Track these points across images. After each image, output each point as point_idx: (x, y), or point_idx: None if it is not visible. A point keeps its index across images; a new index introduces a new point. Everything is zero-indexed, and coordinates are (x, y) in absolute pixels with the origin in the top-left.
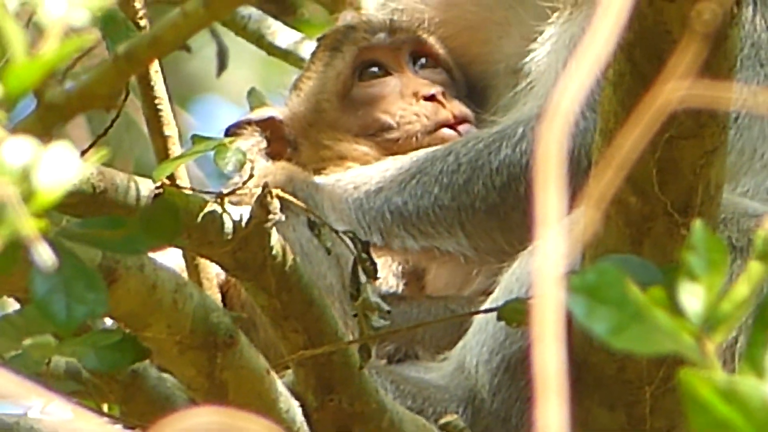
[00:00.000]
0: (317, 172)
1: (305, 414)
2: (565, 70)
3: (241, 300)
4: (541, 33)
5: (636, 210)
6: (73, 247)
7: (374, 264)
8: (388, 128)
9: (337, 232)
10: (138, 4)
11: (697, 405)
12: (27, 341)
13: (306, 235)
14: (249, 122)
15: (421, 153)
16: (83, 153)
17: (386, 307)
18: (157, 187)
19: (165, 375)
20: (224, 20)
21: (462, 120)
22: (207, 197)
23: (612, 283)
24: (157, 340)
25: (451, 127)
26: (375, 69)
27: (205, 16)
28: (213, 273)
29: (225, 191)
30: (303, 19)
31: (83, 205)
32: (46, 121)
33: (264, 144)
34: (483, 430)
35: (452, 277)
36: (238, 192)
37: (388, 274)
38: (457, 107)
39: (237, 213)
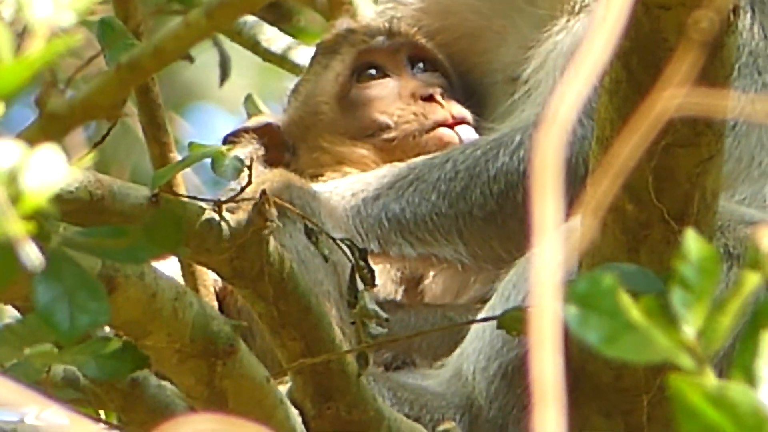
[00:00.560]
0: (315, 178)
1: (304, 422)
2: (563, 78)
3: (238, 307)
4: (538, 41)
5: (632, 218)
6: (75, 256)
7: (372, 271)
8: (386, 128)
9: (334, 239)
10: (138, 15)
11: (687, 410)
12: (28, 350)
13: (302, 242)
14: (246, 130)
15: (419, 160)
16: (92, 149)
17: (384, 315)
18: (154, 195)
19: (164, 383)
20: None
21: (460, 120)
22: (204, 205)
23: (605, 291)
24: (156, 348)
25: (449, 126)
26: (373, 71)
27: (207, 26)
28: (210, 280)
29: (222, 199)
30: (299, 26)
31: (80, 213)
32: (48, 132)
33: (262, 151)
34: None
35: (449, 285)
36: (235, 199)
37: (386, 282)
38: (455, 107)
39: (234, 221)
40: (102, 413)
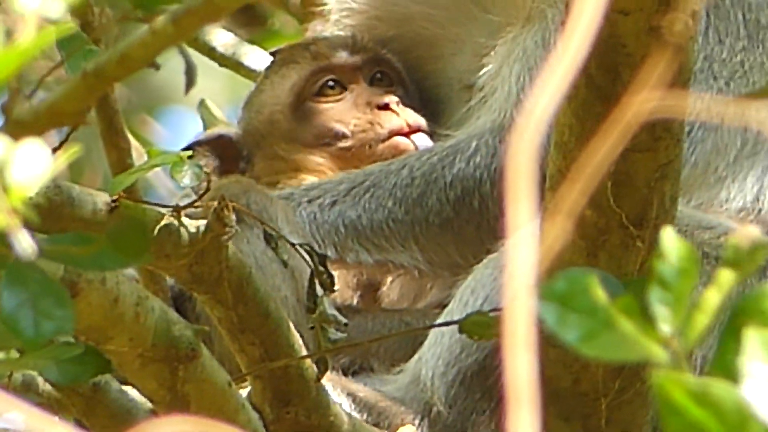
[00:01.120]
0: (271, 185)
1: (264, 426)
2: (521, 84)
3: (196, 312)
4: (493, 48)
5: (591, 223)
6: (39, 263)
7: (331, 276)
8: (342, 137)
9: (293, 244)
10: (98, 22)
11: (670, 408)
12: None
13: (260, 247)
14: (200, 143)
15: (376, 166)
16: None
17: (343, 320)
18: (113, 201)
19: (126, 388)
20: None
21: (416, 128)
22: (163, 210)
23: (582, 291)
24: (118, 353)
25: (405, 135)
26: (331, 83)
27: (173, 33)
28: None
29: (181, 204)
30: (273, 29)
31: (40, 219)
32: (14, 138)
33: (216, 163)
34: None
35: (406, 290)
36: (194, 205)
37: (343, 287)
38: (411, 115)
39: (193, 226)
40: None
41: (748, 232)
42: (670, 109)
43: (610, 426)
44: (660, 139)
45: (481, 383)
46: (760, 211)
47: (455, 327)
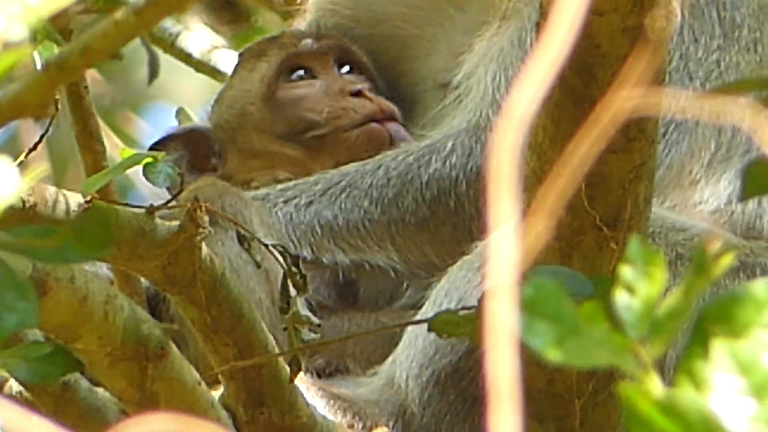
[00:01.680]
0: (245, 184)
1: (237, 427)
2: (497, 84)
3: (170, 313)
4: (469, 47)
5: (565, 224)
6: (4, 257)
7: (304, 277)
8: (315, 125)
9: (267, 245)
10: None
11: (636, 419)
12: None
13: (234, 249)
14: (171, 137)
15: (351, 167)
16: (27, 154)
17: (316, 321)
18: (86, 201)
19: (96, 388)
20: (152, 38)
21: (390, 116)
22: (137, 211)
23: (549, 297)
24: (88, 351)
25: (379, 122)
26: (301, 72)
27: (135, 24)
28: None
29: (155, 205)
30: (257, 26)
31: (13, 220)
32: None
33: (188, 158)
34: None
35: (382, 291)
36: (167, 206)
37: (319, 287)
38: (384, 102)
39: (166, 227)
40: None
41: (715, 236)
42: (645, 109)
43: (584, 428)
44: (634, 140)
45: (455, 385)
46: (732, 213)
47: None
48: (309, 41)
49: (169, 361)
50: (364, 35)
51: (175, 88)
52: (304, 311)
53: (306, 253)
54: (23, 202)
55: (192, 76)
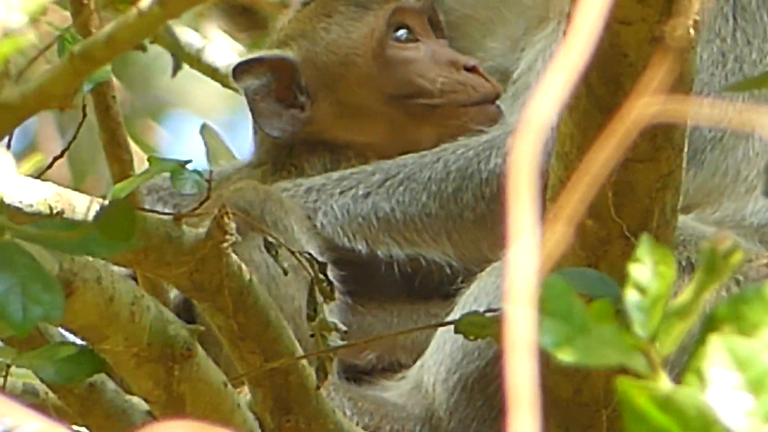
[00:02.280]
0: (331, 146)
1: (260, 427)
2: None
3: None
4: (529, 39)
5: (592, 233)
6: (31, 251)
7: (331, 284)
8: (427, 93)
9: (293, 252)
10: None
11: (634, 414)
12: None
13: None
14: (261, 60)
15: (408, 158)
16: (51, 163)
17: (343, 328)
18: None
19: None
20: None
21: (498, 97)
22: (164, 218)
23: (558, 295)
24: (114, 352)
25: (492, 102)
26: (404, 32)
27: (160, 14)
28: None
29: (182, 212)
30: None
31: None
32: (1, 122)
33: (273, 86)
34: None
35: (437, 286)
36: (194, 213)
37: (371, 280)
38: (497, 84)
39: (193, 234)
40: None
41: (723, 237)
42: (672, 118)
43: None
44: (661, 149)
45: (482, 391)
46: None
47: (457, 335)
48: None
49: (195, 363)
50: None
51: (195, 96)
52: (331, 318)
53: (360, 246)
54: (51, 208)
55: (212, 85)
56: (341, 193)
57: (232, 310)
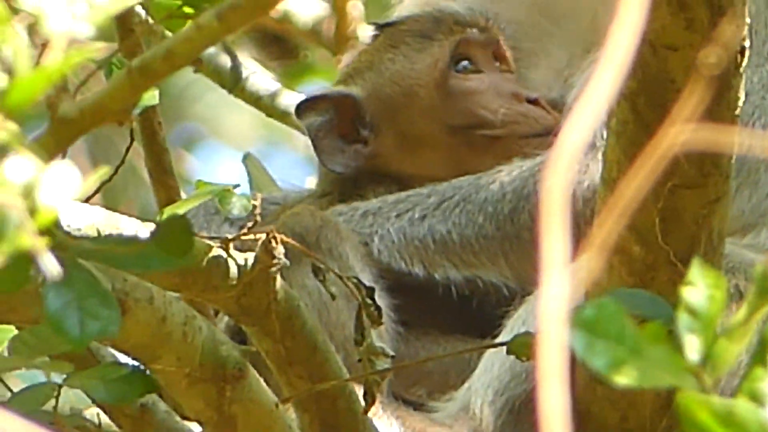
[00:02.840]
0: (390, 169)
1: None
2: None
3: None
4: (576, 66)
5: (639, 259)
6: (86, 265)
7: (379, 309)
8: (489, 124)
9: (341, 277)
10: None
11: (695, 428)
12: (40, 359)
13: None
14: (325, 97)
15: (464, 180)
16: (99, 188)
17: (391, 353)
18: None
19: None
20: (221, 82)
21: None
22: (211, 242)
23: (611, 317)
24: (166, 372)
25: (555, 135)
26: (467, 63)
27: (218, 29)
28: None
29: (230, 236)
30: (306, 62)
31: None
32: (59, 136)
33: (336, 122)
34: None
35: (496, 308)
36: (241, 237)
37: (427, 308)
38: (557, 115)
39: (241, 258)
40: None
41: None
42: (719, 145)
43: None
44: (709, 175)
45: (530, 413)
46: None
47: (505, 357)
48: (475, 30)
49: (247, 383)
50: None
51: (227, 126)
52: (379, 342)
53: (418, 269)
54: (98, 231)
55: (244, 114)
56: (397, 216)
57: (280, 335)
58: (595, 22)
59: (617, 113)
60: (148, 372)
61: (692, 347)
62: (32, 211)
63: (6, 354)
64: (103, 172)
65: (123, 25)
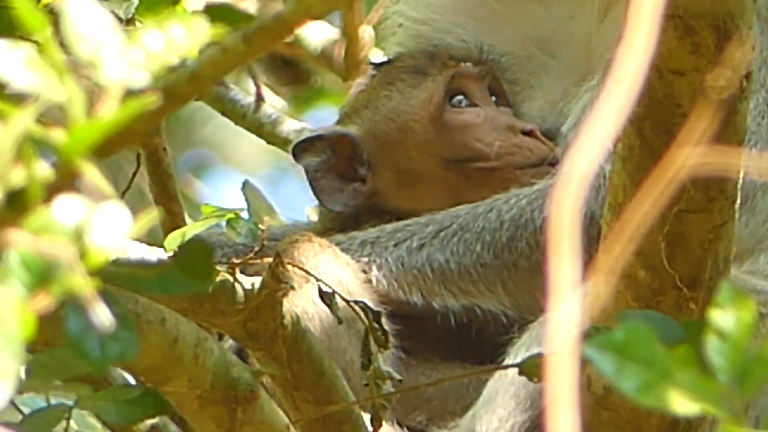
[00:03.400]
0: (390, 206)
1: None
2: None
3: None
4: (572, 95)
5: (645, 284)
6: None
7: (385, 333)
8: (484, 157)
9: (347, 301)
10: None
11: None
12: (58, 382)
13: (327, 309)
14: (321, 138)
15: (462, 209)
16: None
17: (397, 377)
18: (169, 257)
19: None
20: (223, 110)
21: (557, 161)
22: (218, 267)
23: (640, 340)
24: (177, 394)
25: (551, 165)
26: (461, 98)
27: (243, 51)
28: None
29: (236, 261)
30: (317, 87)
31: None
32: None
33: (333, 162)
34: None
35: (494, 336)
36: (247, 262)
37: (426, 336)
38: (553, 145)
39: (248, 283)
40: None
41: None
42: (724, 169)
43: None
44: (714, 200)
45: None
46: None
47: (510, 383)
48: (469, 64)
49: (258, 405)
50: None
51: (236, 151)
52: (386, 367)
53: (416, 297)
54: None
55: (253, 140)
56: (395, 245)
57: (287, 359)
58: (589, 52)
59: (623, 138)
60: (158, 394)
61: (721, 370)
62: (83, 254)
63: (24, 377)
64: (154, 215)
65: None
